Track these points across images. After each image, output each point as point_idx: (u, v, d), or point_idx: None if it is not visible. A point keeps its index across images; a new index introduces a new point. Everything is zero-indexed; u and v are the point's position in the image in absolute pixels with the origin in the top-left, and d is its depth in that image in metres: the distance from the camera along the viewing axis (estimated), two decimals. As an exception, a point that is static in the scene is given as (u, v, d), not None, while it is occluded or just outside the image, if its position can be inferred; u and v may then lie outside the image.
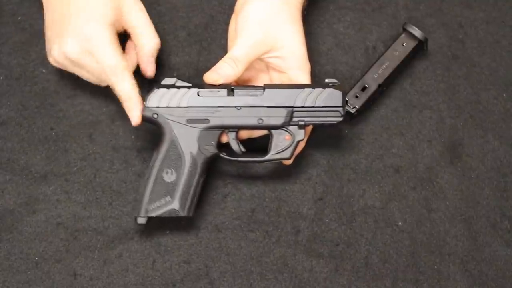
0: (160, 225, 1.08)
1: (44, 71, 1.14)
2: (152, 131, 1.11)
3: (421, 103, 1.15)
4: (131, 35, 1.08)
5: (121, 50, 1.05)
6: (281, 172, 1.11)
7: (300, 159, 1.10)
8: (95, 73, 1.06)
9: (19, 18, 1.16)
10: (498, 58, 1.17)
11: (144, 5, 1.13)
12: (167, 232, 1.08)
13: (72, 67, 1.07)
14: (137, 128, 1.11)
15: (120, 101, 1.05)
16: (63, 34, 1.04)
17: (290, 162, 1.07)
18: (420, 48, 1.15)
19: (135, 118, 1.04)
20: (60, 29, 1.04)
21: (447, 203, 1.11)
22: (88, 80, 1.08)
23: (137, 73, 1.09)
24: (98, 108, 1.13)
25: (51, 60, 1.07)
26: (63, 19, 1.04)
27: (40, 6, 1.10)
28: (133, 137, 1.12)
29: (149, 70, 1.09)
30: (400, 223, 1.10)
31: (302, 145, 1.07)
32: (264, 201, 1.10)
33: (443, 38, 1.18)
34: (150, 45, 1.08)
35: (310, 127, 1.07)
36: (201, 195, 1.07)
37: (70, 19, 1.04)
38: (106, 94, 1.11)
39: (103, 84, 1.08)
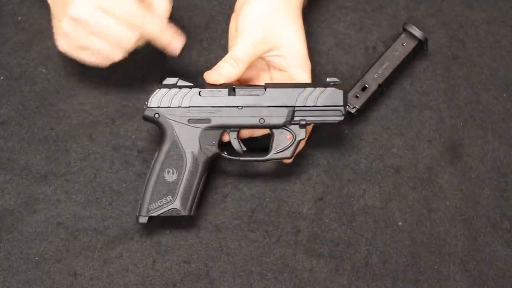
0: (160, 225, 1.08)
1: (44, 71, 1.13)
2: (152, 131, 1.11)
3: (421, 103, 1.15)
4: None
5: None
6: (281, 172, 1.11)
7: (300, 159, 1.10)
8: (110, 34, 1.00)
9: (19, 18, 1.16)
10: (498, 58, 1.17)
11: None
12: (167, 232, 1.08)
13: (83, 38, 1.01)
14: (137, 128, 1.11)
15: (155, 42, 1.02)
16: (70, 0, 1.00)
17: (290, 161, 1.07)
18: (420, 48, 1.15)
19: (177, 45, 1.03)
20: None
21: (447, 203, 1.11)
22: (98, 57, 1.03)
23: (138, 78, 1.10)
24: (98, 108, 1.12)
25: (60, 42, 1.03)
26: None
27: (41, 6, 1.10)
28: (133, 137, 1.12)
29: (167, 40, 1.03)
30: (400, 223, 1.10)
31: (302, 144, 1.07)
32: (264, 201, 1.10)
33: (443, 38, 1.18)
34: (162, 7, 1.04)
35: (311, 126, 1.07)
36: (202, 195, 1.07)
37: None
38: (106, 94, 1.12)
39: (116, 55, 1.02)
